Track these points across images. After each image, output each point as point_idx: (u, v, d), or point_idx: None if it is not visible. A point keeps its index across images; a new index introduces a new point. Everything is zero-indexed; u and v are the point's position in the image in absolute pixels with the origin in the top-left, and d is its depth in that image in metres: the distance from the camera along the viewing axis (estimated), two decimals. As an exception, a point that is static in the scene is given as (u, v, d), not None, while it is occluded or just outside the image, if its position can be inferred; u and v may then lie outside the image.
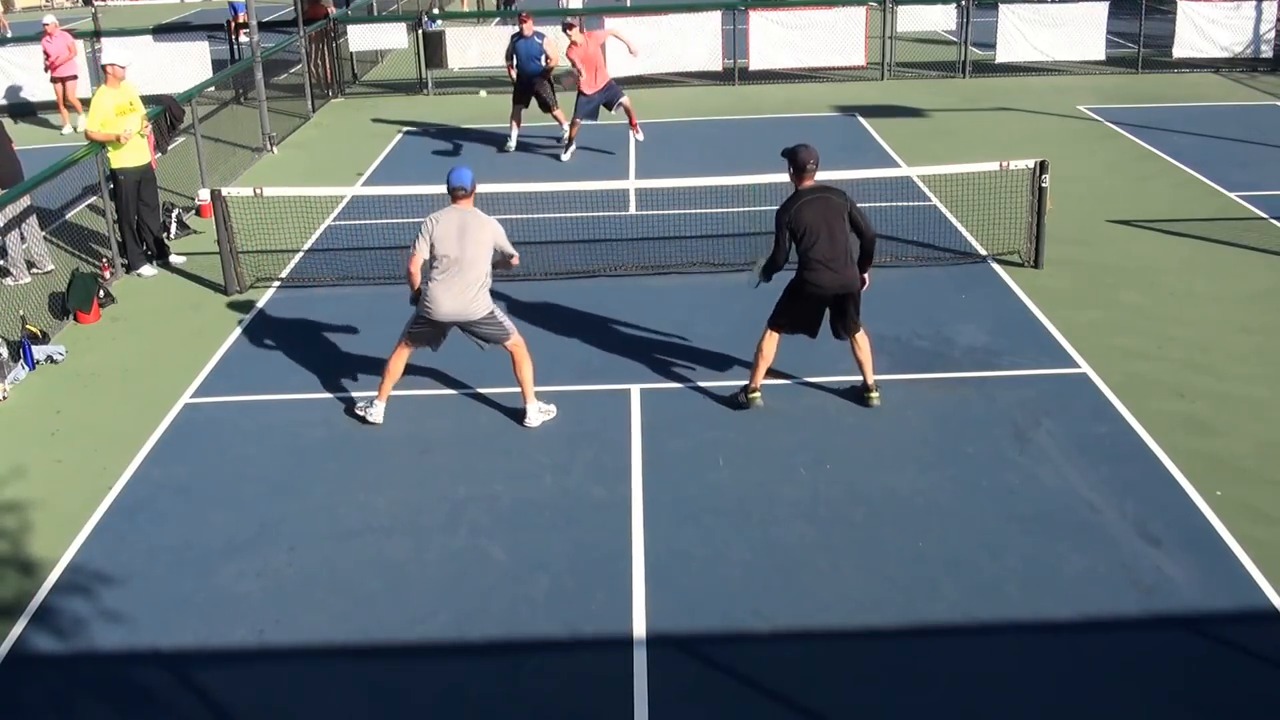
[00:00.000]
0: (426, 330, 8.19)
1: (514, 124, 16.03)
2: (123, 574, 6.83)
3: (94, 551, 7.07)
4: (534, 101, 15.77)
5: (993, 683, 5.75)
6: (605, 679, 5.85)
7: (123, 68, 11.63)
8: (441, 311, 7.96)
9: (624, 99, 15.03)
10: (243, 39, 20.66)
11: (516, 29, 15.73)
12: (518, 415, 8.43)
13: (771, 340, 8.34)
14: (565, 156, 15.38)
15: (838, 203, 7.97)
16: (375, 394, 8.49)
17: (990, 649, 5.99)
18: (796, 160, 8.08)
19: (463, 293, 7.92)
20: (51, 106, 19.12)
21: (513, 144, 16.02)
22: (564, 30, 15.08)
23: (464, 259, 7.87)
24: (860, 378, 8.47)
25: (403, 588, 6.62)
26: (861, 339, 8.31)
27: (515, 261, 8.21)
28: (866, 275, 8.18)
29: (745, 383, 8.51)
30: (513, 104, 15.93)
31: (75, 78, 18.50)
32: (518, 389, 8.41)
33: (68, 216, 13.29)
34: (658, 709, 5.64)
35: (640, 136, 15.12)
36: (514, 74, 15.62)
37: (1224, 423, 8.12)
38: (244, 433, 8.46)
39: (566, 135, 15.54)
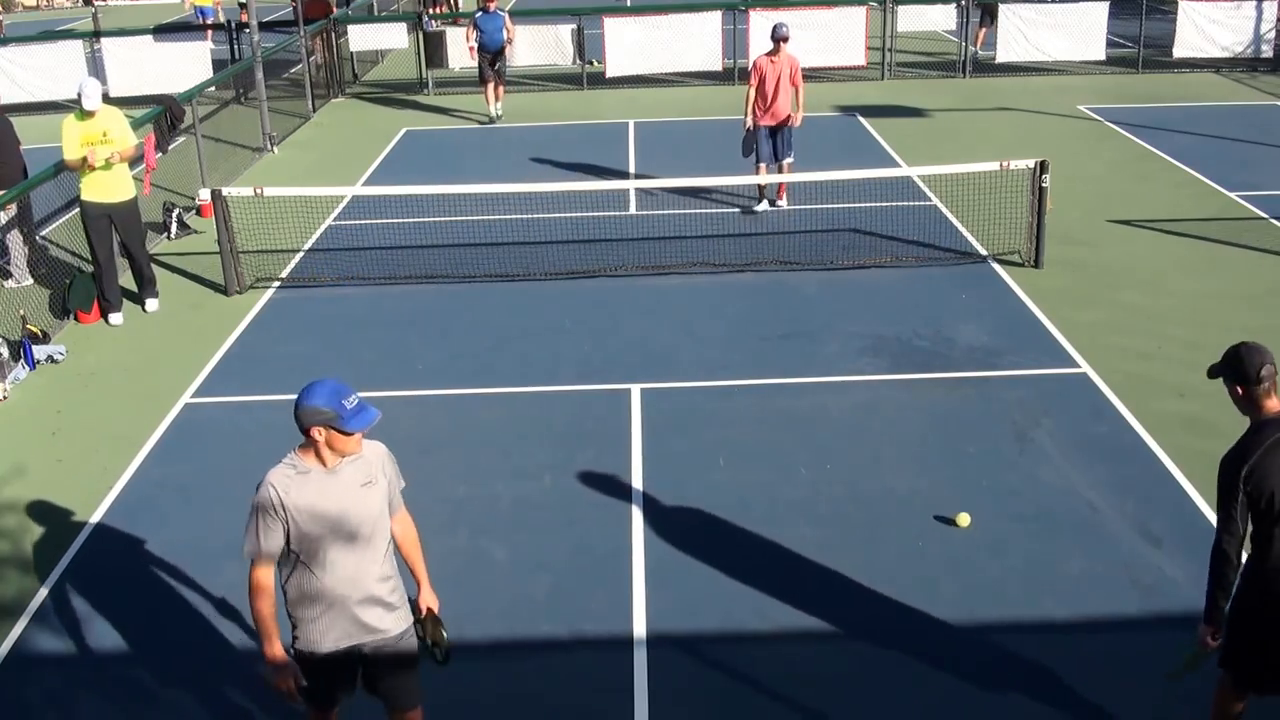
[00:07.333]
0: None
1: (489, 100, 17.96)
2: (123, 574, 6.83)
3: (94, 551, 7.07)
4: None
5: (993, 682, 5.74)
6: (605, 679, 5.85)
7: (92, 105, 10.08)
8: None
9: (790, 156, 12.56)
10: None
11: (479, 8, 17.91)
12: (517, 415, 8.43)
13: (1230, 700, 4.97)
14: (759, 208, 12.77)
15: None
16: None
17: (990, 649, 5.98)
18: (1241, 369, 4.54)
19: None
20: (54, 106, 19.10)
21: (496, 112, 17.99)
22: (776, 38, 12.21)
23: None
24: None
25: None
26: None
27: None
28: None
29: None
30: (481, 82, 18.08)
31: None
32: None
33: (67, 217, 13.27)
34: (658, 709, 5.64)
35: (784, 204, 12.87)
36: (475, 53, 17.80)
37: (1224, 423, 8.07)
38: (244, 433, 8.46)
39: (758, 189, 12.87)
